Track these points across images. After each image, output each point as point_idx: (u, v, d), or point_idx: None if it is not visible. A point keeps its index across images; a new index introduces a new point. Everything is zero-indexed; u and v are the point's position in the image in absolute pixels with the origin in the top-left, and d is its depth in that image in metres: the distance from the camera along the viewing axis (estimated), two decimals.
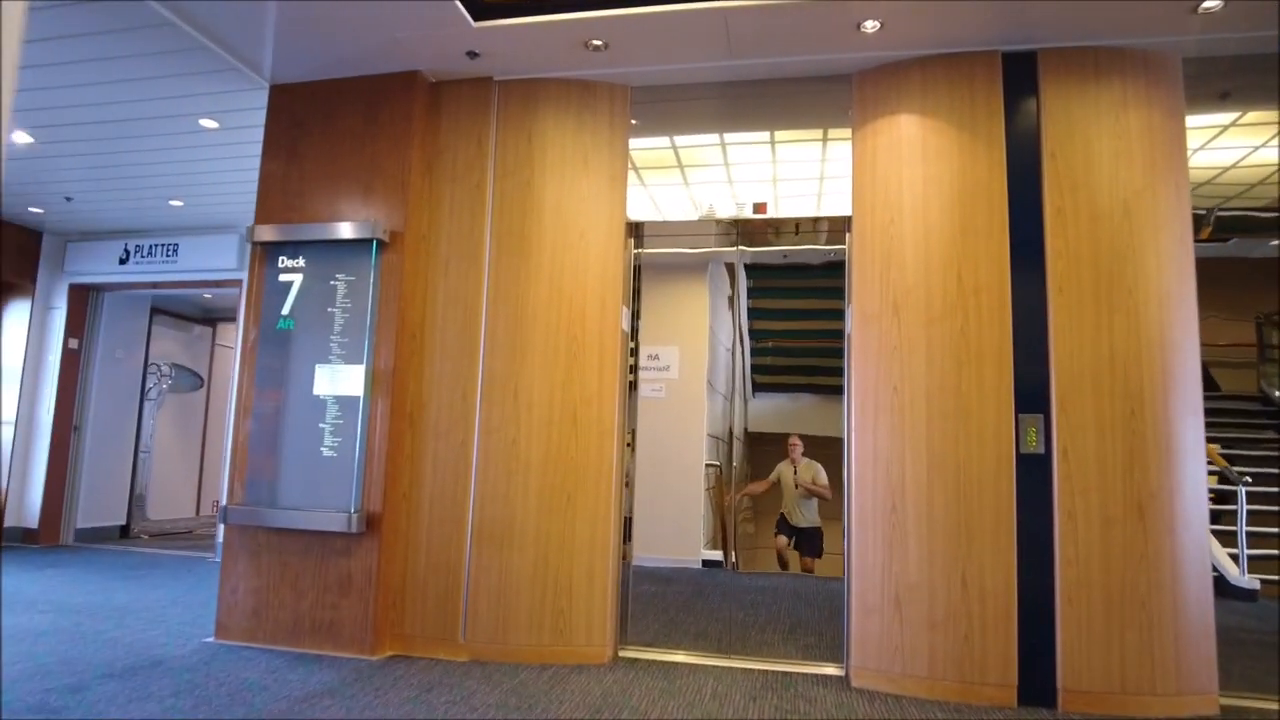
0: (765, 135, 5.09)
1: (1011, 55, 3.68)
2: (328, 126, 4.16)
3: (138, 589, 5.32)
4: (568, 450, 3.85)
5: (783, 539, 7.02)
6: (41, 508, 7.13)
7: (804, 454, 7.19)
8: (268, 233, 4.02)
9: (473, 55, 3.92)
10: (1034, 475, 3.41)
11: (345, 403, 3.83)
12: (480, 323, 3.99)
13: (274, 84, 4.26)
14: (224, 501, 3.93)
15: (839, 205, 4.11)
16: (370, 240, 3.89)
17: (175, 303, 8.62)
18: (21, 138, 5.09)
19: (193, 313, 9.07)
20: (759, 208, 4.01)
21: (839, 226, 4.21)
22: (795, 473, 7.05)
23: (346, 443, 3.81)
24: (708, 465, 7.18)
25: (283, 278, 4.00)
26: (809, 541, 7.06)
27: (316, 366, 3.88)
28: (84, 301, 7.46)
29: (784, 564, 7.03)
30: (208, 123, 4.72)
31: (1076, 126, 3.56)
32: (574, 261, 3.97)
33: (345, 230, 3.90)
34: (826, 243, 4.71)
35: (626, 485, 3.98)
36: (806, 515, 7.04)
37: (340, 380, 3.85)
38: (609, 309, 3.94)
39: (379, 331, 3.89)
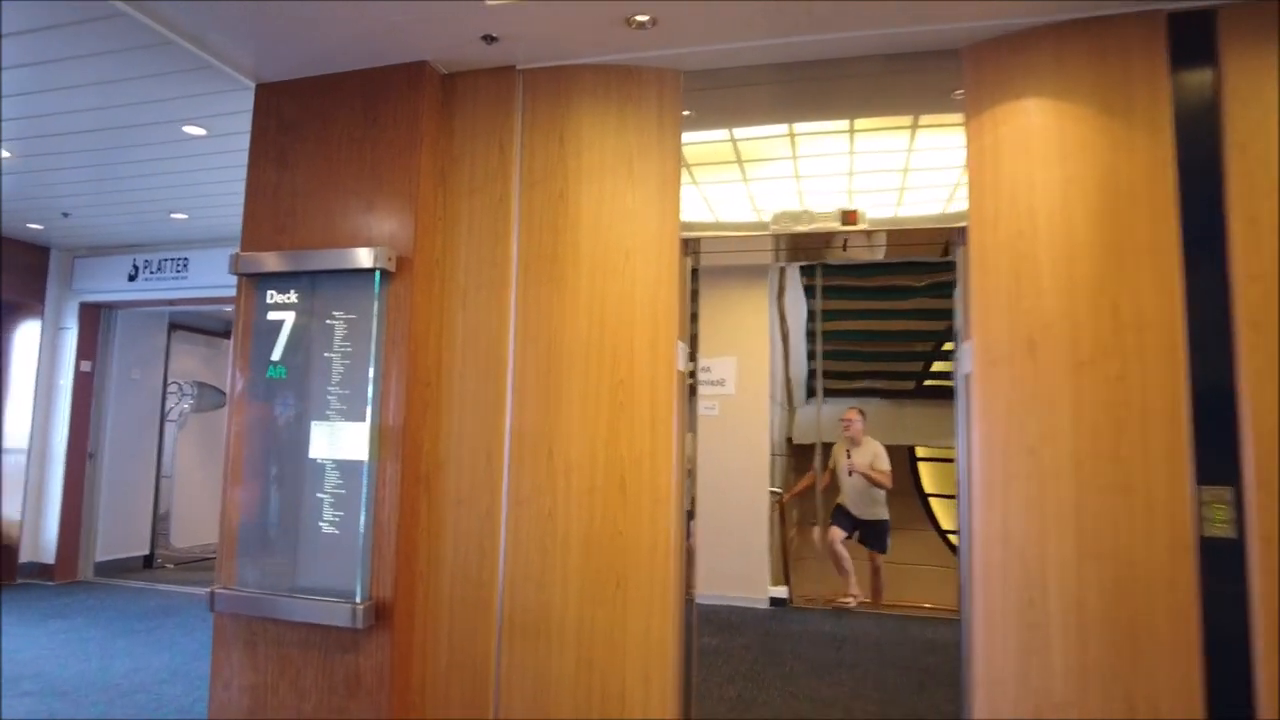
0: (842, 124, 4.29)
1: (1180, 15, 2.83)
2: (322, 130, 3.49)
3: (142, 651, 4.80)
4: (615, 523, 3.15)
5: (838, 531, 6.27)
6: (58, 541, 6.71)
7: (865, 432, 6.43)
8: (254, 262, 3.38)
9: (490, 39, 3.20)
10: (1223, 566, 2.60)
11: (347, 468, 3.18)
12: (506, 367, 3.30)
13: (260, 82, 3.60)
14: (213, 584, 3.32)
15: (925, 204, 3.32)
16: (373, 270, 3.22)
17: (194, 317, 8.14)
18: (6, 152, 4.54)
19: (214, 326, 8.60)
20: (849, 216, 3.24)
21: (937, 237, 3.42)
22: (849, 455, 6.29)
23: (349, 516, 3.16)
24: (772, 492, 6.44)
25: (272, 315, 3.35)
26: (874, 535, 6.29)
27: (313, 424, 3.24)
28: (95, 320, 6.98)
29: (839, 564, 6.28)
30: (193, 130, 4.10)
31: (1273, 110, 2.71)
32: (618, 289, 3.25)
33: (343, 258, 3.23)
34: (921, 250, 3.91)
35: (689, 561, 3.27)
36: (870, 505, 6.25)
37: (340, 441, 3.20)
38: (662, 346, 3.22)
39: (386, 380, 3.23)
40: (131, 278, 6.57)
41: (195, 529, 8.03)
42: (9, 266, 6.58)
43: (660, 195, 3.30)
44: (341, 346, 3.24)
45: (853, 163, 4.39)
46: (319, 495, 3.19)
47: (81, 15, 3.11)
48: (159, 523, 7.54)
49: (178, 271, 6.41)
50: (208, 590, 3.28)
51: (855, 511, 6.26)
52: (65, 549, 6.74)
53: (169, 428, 7.70)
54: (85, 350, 6.87)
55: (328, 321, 3.27)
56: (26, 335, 6.84)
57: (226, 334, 8.81)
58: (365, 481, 3.16)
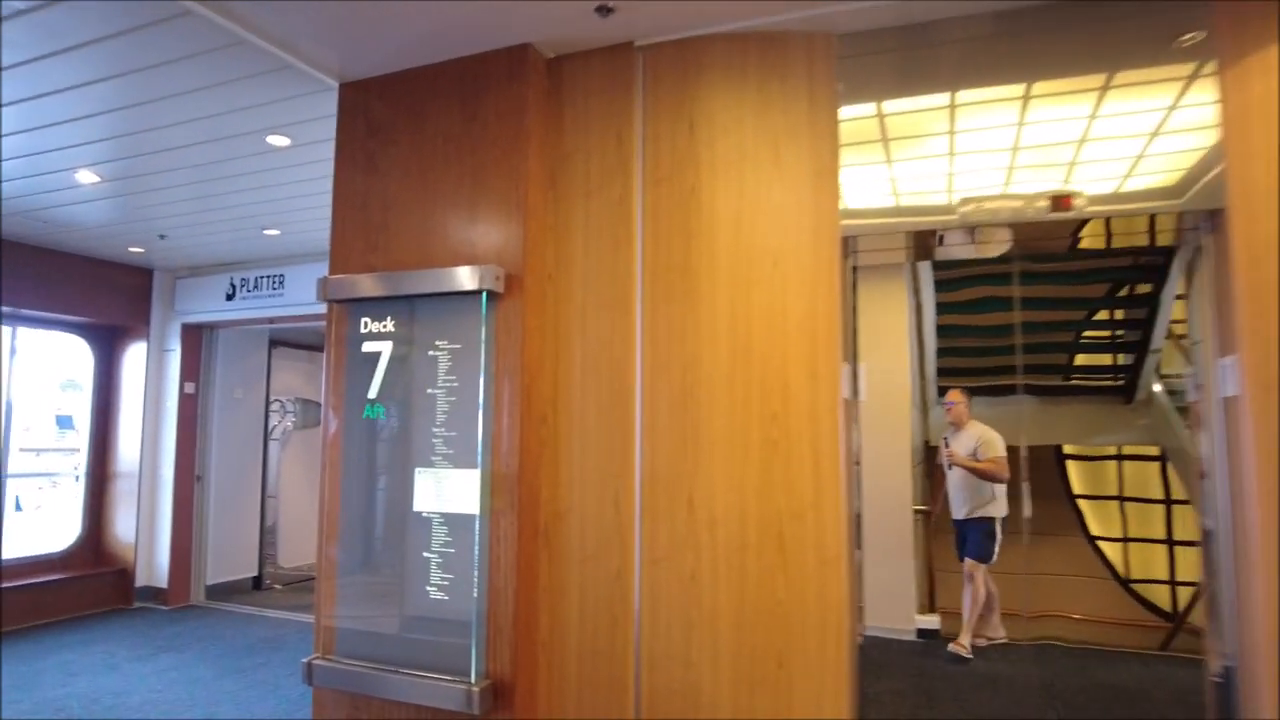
0: (1012, 90, 3.59)
1: None
2: (415, 131, 3.05)
3: (248, 696, 4.54)
4: (773, 590, 2.59)
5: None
6: (170, 565, 6.63)
7: (970, 419, 5.40)
8: (344, 286, 2.97)
9: (604, 11, 2.68)
10: None
11: (456, 523, 2.74)
12: (634, 400, 2.79)
13: (344, 81, 3.19)
14: (311, 653, 2.94)
15: (1100, 180, 2.63)
16: (479, 292, 2.76)
17: (294, 333, 8.00)
18: (86, 176, 4.33)
19: (314, 341, 8.46)
20: (1061, 201, 2.57)
21: (1165, 223, 2.73)
22: (946, 444, 5.36)
23: (461, 579, 2.71)
24: (916, 510, 5.73)
25: (367, 347, 2.94)
26: (973, 539, 5.22)
27: (416, 472, 2.80)
28: (197, 341, 6.88)
29: (989, 599, 5.42)
30: (277, 140, 3.75)
31: None
32: (766, 301, 2.69)
33: (444, 279, 2.78)
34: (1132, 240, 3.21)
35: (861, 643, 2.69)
36: (969, 500, 5.22)
37: (448, 491, 2.75)
38: (823, 371, 2.63)
39: (497, 419, 2.76)
40: (230, 297, 6.42)
41: (301, 548, 7.91)
42: (116, 290, 6.53)
43: (814, 185, 2.71)
44: (446, 381, 2.79)
45: (1019, 136, 3.69)
46: (425, 555, 2.76)
47: (152, 16, 2.75)
48: (266, 543, 7.43)
49: (274, 289, 6.21)
50: (304, 662, 2.89)
51: (956, 511, 5.30)
52: (177, 573, 6.67)
53: (272, 446, 7.58)
54: (189, 371, 6.78)
55: (430, 353, 2.82)
56: (134, 358, 6.80)
57: None
58: (477, 539, 2.70)
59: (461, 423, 2.76)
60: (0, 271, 5.53)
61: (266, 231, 5.42)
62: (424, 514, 2.77)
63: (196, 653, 5.37)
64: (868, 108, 3.45)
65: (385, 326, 2.91)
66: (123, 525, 6.72)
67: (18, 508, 8.54)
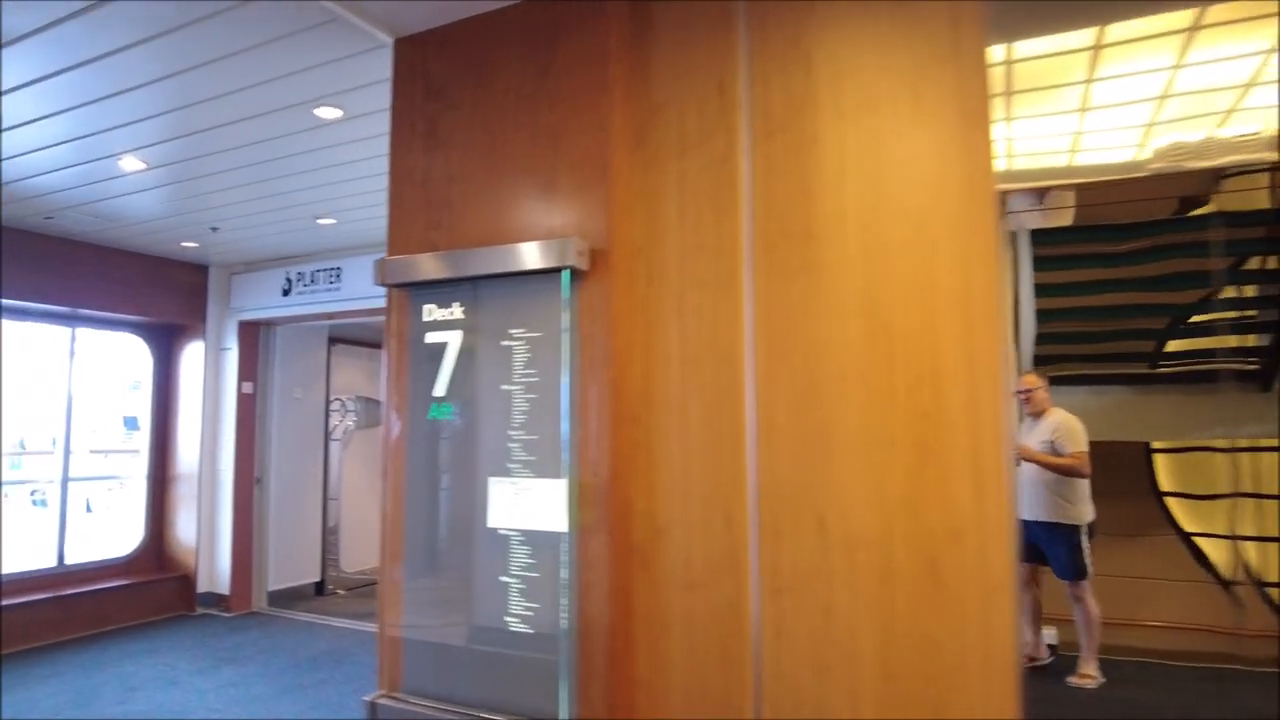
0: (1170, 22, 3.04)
1: None
2: (482, 90, 2.64)
3: (305, 716, 4.23)
4: (926, 627, 2.11)
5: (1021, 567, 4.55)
6: (231, 571, 6.43)
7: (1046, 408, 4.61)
8: (404, 268, 2.58)
9: None
10: None
11: (539, 541, 2.32)
12: (744, 395, 2.33)
13: (399, 37, 2.80)
14: (374, 690, 2.56)
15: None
16: (559, 270, 2.33)
17: (353, 329, 7.75)
18: (131, 163, 4.05)
19: (373, 337, 8.20)
20: None
21: None
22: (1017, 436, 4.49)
23: (546, 609, 2.30)
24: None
25: (432, 337, 2.54)
26: (1055, 553, 4.43)
27: (490, 483, 2.39)
28: (254, 339, 6.66)
29: (1036, 609, 4.77)
30: (326, 112, 3.39)
31: None
32: (908, 273, 2.20)
33: (518, 257, 2.37)
34: None
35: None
36: (1044, 501, 4.42)
37: (529, 504, 2.33)
38: (982, 357, 2.13)
39: (583, 419, 2.34)
40: (286, 292, 6.16)
41: (364, 552, 7.67)
42: (172, 287, 6.34)
43: (963, 128, 2.20)
44: (524, 376, 2.37)
45: (1173, 81, 3.12)
46: (503, 579, 2.35)
47: None
48: (328, 547, 7.19)
49: (331, 282, 5.92)
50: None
51: (1026, 513, 4.49)
52: (238, 579, 6.47)
53: (333, 446, 7.34)
54: (246, 370, 6.56)
55: (504, 343, 2.41)
56: (191, 358, 6.60)
57: None
58: (566, 560, 2.28)
59: (542, 424, 2.34)
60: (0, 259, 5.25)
61: (320, 221, 5.11)
62: (500, 531, 2.36)
63: (258, 666, 5.11)
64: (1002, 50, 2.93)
65: (452, 314, 2.50)
66: (184, 529, 6.54)
67: (88, 509, 8.51)
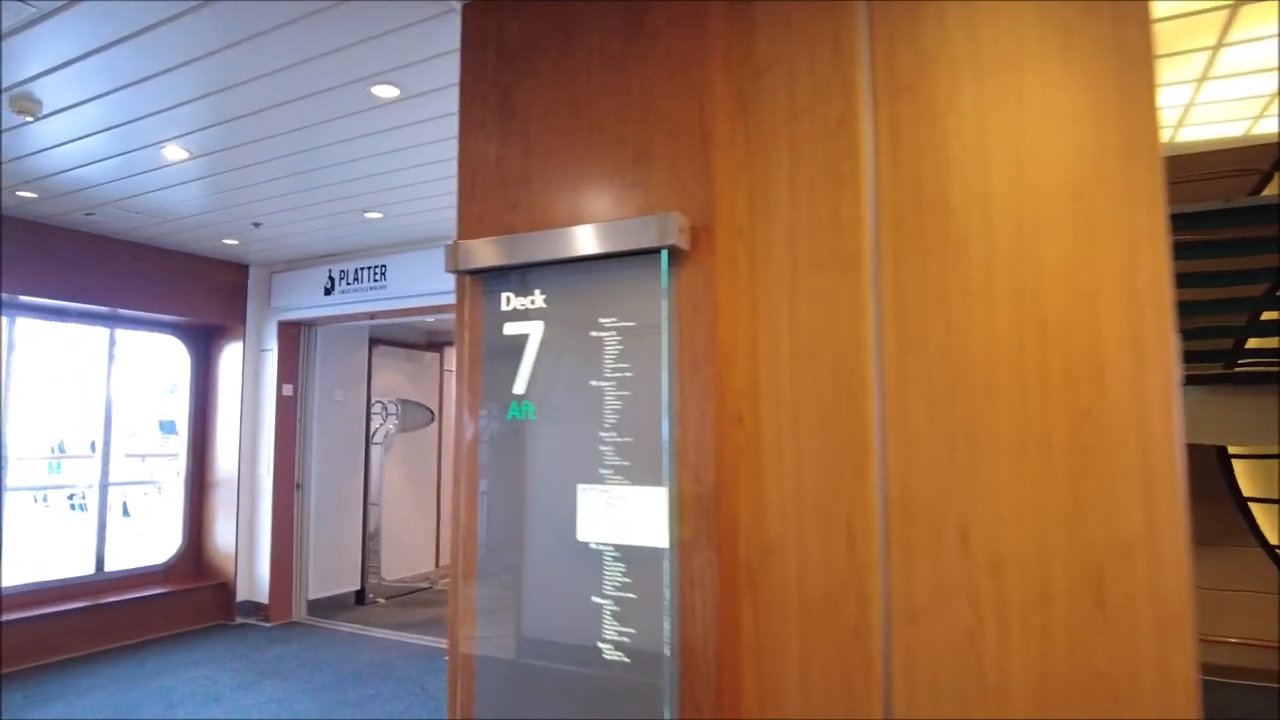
0: None
1: None
2: (563, 53, 2.38)
3: None
4: (1089, 656, 1.80)
5: None
6: (270, 579, 6.24)
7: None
8: (479, 253, 2.32)
9: None
10: None
11: (637, 558, 2.05)
12: (869, 394, 2.04)
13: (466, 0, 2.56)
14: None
15: None
16: (656, 250, 2.07)
17: (395, 329, 7.56)
18: (174, 152, 3.86)
19: (415, 339, 8.01)
20: None
21: None
22: None
23: (645, 635, 2.03)
24: None
25: (510, 329, 2.28)
26: None
27: (579, 490, 2.13)
28: (295, 339, 6.48)
29: None
30: (384, 91, 3.15)
31: None
32: (1063, 253, 1.90)
33: (611, 236, 2.10)
34: None
35: None
36: None
37: (624, 515, 2.07)
38: (1153, 346, 1.83)
39: (683, 418, 2.07)
40: (328, 291, 5.96)
41: (405, 558, 7.46)
42: (211, 287, 6.18)
43: (1122, 85, 1.90)
44: (616, 370, 2.10)
45: None
46: (596, 600, 2.08)
47: None
48: (368, 554, 6.98)
49: (375, 280, 5.71)
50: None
51: None
52: (278, 587, 6.28)
53: (374, 451, 7.14)
54: (286, 372, 6.38)
55: (594, 334, 2.15)
56: (230, 359, 6.43)
57: (429, 346, 8.22)
58: (668, 579, 2.00)
59: (638, 425, 2.07)
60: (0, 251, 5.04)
61: (368, 215, 4.90)
62: (592, 545, 2.09)
63: (301, 681, 4.89)
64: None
65: (533, 302, 2.24)
66: (223, 536, 6.36)
67: (125, 513, 8.39)
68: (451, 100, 3.23)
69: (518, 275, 2.27)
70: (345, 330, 6.75)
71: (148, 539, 6.82)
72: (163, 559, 6.30)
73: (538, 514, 2.22)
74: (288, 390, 6.36)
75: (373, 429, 7.15)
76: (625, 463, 2.07)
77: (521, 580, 2.21)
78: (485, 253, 2.29)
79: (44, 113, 3.38)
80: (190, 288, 6.01)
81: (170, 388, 10.40)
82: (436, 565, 8.01)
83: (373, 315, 5.92)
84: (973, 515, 1.92)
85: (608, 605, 2.06)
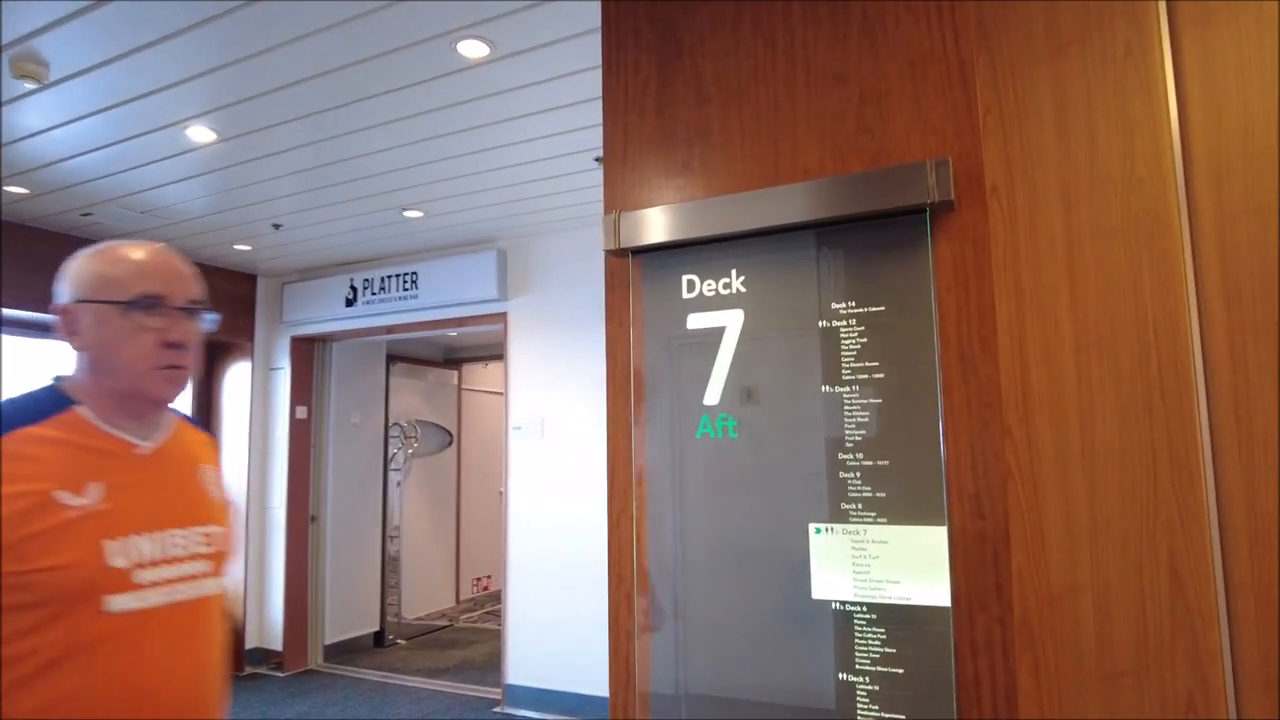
0: None
1: None
2: None
3: None
4: None
5: None
6: (284, 623, 5.60)
7: None
8: (650, 224, 1.82)
9: None
10: None
11: (902, 620, 1.54)
12: (1190, 389, 1.57)
13: None
14: None
15: None
16: (915, 211, 1.58)
17: (413, 345, 7.00)
18: (202, 134, 3.31)
19: (432, 355, 7.44)
20: None
21: None
22: None
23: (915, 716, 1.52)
24: None
25: (696, 321, 1.78)
26: None
27: (813, 532, 1.62)
28: (309, 357, 5.89)
29: None
30: (472, 48, 2.65)
31: None
32: None
33: (844, 194, 1.62)
34: None
35: None
36: None
37: (885, 564, 1.56)
38: None
39: (953, 434, 1.58)
40: (350, 302, 5.40)
41: (425, 595, 6.86)
42: (217, 299, 5.53)
43: None
44: (860, 371, 1.61)
45: None
46: (846, 678, 1.56)
47: None
48: (387, 591, 6.37)
49: (405, 289, 5.16)
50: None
51: None
52: (293, 632, 5.64)
53: (392, 477, 6.55)
54: (300, 393, 5.78)
55: (824, 324, 1.65)
56: (236, 379, 5.82)
57: (448, 363, 7.65)
58: (952, 647, 1.50)
59: (897, 443, 1.57)
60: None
61: (407, 213, 4.37)
62: (835, 605, 1.58)
63: None
64: None
65: (729, 286, 1.74)
66: (229, 576, 5.70)
67: None
68: (543, 64, 2.74)
69: (706, 253, 1.78)
70: (362, 346, 6.17)
71: None
72: None
73: (747, 564, 1.70)
74: (301, 413, 5.76)
75: (390, 454, 6.56)
76: (879, 494, 1.57)
77: (724, 652, 1.69)
78: (662, 224, 1.79)
79: (32, 89, 2.84)
80: None
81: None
82: (456, 601, 7.40)
83: (402, 329, 5.36)
84: None
85: (861, 684, 1.55)
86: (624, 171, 1.98)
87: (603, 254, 1.95)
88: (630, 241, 1.83)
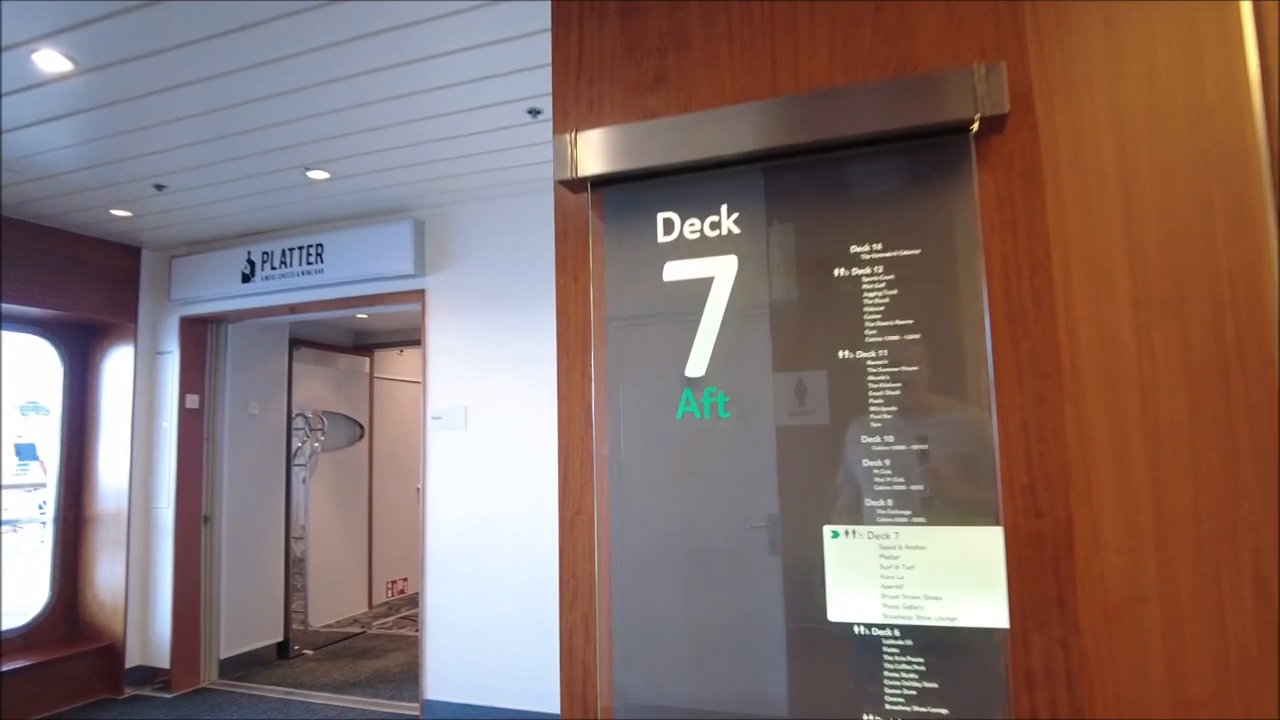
0: None
1: None
2: None
3: None
4: None
5: None
6: (172, 637, 4.99)
7: None
8: (620, 146, 1.44)
9: None
10: None
11: (945, 645, 1.22)
12: (1276, 355, 1.30)
13: None
14: None
15: None
16: (956, 130, 1.25)
17: (318, 329, 6.41)
18: (53, 61, 2.75)
19: (341, 340, 6.86)
20: None
21: None
22: None
23: None
24: None
25: (675, 271, 1.41)
26: None
27: (829, 538, 1.28)
28: (201, 340, 5.26)
29: None
30: None
31: None
32: None
33: (883, 107, 1.27)
34: None
35: None
36: None
37: (919, 575, 1.23)
38: None
39: (1003, 410, 1.26)
40: (247, 278, 4.81)
41: (335, 600, 6.31)
42: (92, 274, 4.90)
43: None
44: (890, 331, 1.27)
45: None
46: None
47: None
48: (292, 598, 5.80)
49: (309, 264, 4.62)
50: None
51: None
52: (182, 646, 5.03)
53: (296, 473, 5.97)
54: (191, 381, 5.16)
55: (840, 272, 1.31)
56: (117, 365, 5.15)
57: (358, 349, 7.06)
58: (1009, 685, 1.18)
59: (935, 421, 1.24)
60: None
61: (312, 173, 3.85)
62: (859, 629, 1.25)
63: None
64: None
65: (719, 227, 1.38)
66: (108, 585, 5.06)
67: None
68: None
69: (689, 184, 1.41)
70: (261, 329, 5.57)
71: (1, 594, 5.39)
72: (23, 620, 4.93)
73: (740, 579, 1.35)
74: (193, 402, 5.14)
75: (294, 448, 5.97)
76: (915, 486, 1.23)
77: (712, 690, 1.33)
78: (632, 146, 1.41)
79: None
80: (64, 274, 4.72)
81: (27, 406, 8.71)
82: (370, 606, 6.85)
83: (305, 308, 4.81)
84: None
85: None
86: (578, 88, 1.60)
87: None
88: (590, 169, 1.45)
